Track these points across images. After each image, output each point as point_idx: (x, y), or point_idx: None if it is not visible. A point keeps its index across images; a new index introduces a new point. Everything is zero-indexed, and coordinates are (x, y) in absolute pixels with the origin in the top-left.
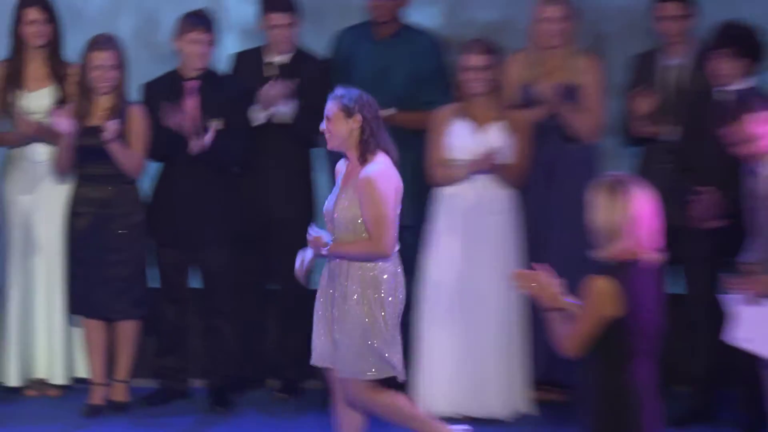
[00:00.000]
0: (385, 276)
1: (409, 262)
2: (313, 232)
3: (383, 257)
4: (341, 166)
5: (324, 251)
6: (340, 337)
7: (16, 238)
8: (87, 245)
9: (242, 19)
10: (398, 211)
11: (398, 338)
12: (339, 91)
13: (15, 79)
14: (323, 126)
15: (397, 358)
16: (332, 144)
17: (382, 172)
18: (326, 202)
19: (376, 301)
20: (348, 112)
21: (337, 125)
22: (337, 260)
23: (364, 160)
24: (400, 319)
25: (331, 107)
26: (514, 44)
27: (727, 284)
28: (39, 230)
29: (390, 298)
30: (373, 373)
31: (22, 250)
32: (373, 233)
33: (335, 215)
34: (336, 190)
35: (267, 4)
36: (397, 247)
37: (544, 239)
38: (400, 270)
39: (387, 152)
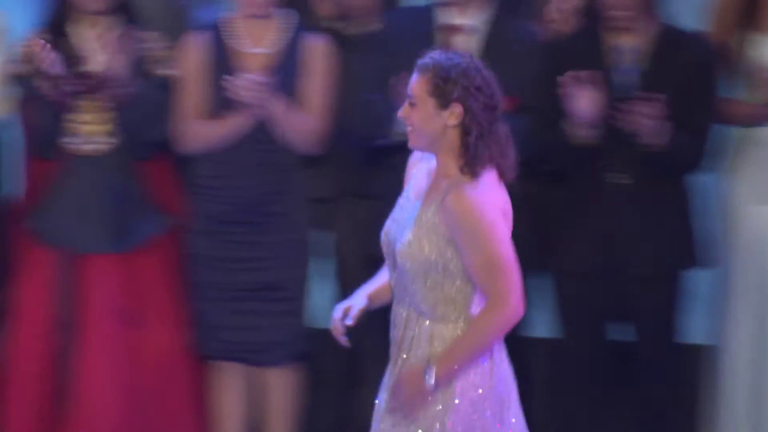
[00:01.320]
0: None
1: None
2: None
3: (513, 319)
4: (416, 161)
5: (430, 384)
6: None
7: (748, 268)
8: None
9: None
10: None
11: None
12: (434, 56)
13: (751, 16)
14: (400, 111)
15: None
16: (415, 142)
17: (485, 195)
18: (387, 222)
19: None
20: (442, 98)
21: (424, 115)
22: (404, 310)
23: (472, 173)
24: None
25: (415, 84)
26: None
27: None
28: None
29: (479, 390)
30: None
31: (756, 288)
32: (489, 288)
33: (397, 250)
34: (404, 204)
35: None
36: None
37: None
38: (500, 351)
39: (498, 166)
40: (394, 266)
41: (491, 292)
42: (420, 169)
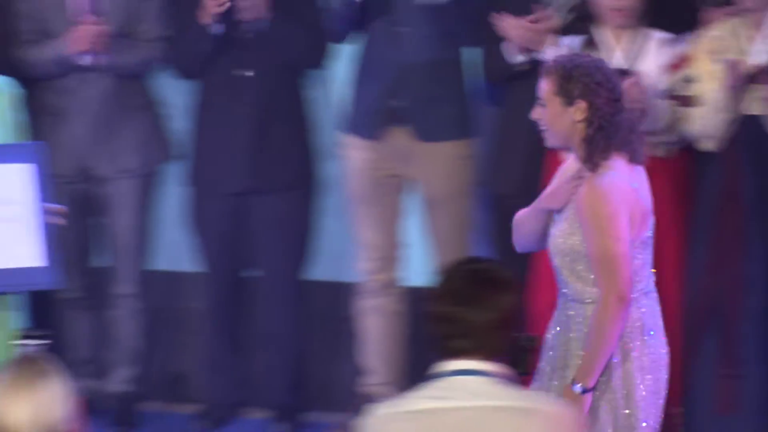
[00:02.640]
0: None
1: None
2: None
3: (619, 310)
4: (569, 163)
5: (585, 395)
6: None
7: None
8: None
9: None
10: (645, 240)
11: None
12: (558, 58)
13: None
14: (535, 113)
15: None
16: (551, 140)
17: (613, 185)
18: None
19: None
20: (567, 96)
21: (553, 114)
22: (561, 299)
23: (591, 165)
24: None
25: (542, 86)
26: None
27: None
28: None
29: (648, 375)
30: None
31: None
32: (598, 279)
33: (551, 243)
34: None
35: None
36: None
37: None
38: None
39: (631, 155)
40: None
41: (601, 285)
42: (569, 167)
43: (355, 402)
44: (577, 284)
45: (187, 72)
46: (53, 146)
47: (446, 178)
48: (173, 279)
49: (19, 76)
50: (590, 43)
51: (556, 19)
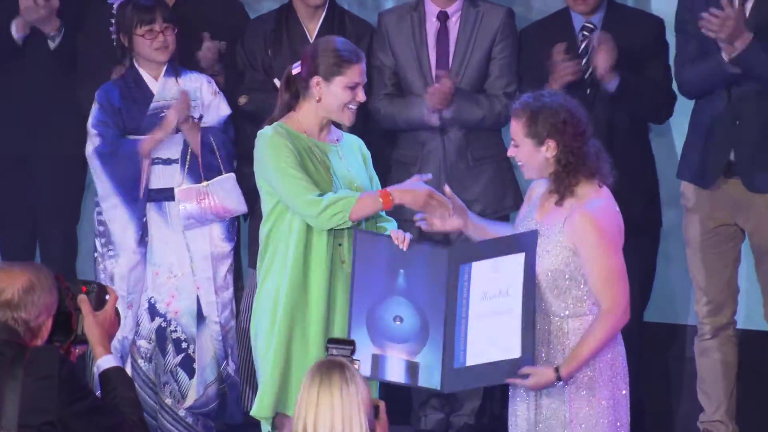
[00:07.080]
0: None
1: None
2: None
3: (623, 324)
4: (535, 186)
5: (558, 381)
6: None
7: None
8: None
9: None
10: None
11: None
12: (523, 100)
13: None
14: (509, 150)
15: None
16: (528, 173)
17: (604, 209)
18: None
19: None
20: (537, 138)
21: (526, 153)
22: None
23: (560, 196)
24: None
25: (513, 129)
26: None
27: None
28: None
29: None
30: None
31: None
32: (605, 295)
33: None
34: (528, 223)
35: None
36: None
37: None
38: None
39: (600, 179)
40: None
41: (605, 299)
42: (537, 192)
43: None
44: (559, 299)
45: None
46: None
47: None
48: None
49: (375, 128)
50: None
51: None
